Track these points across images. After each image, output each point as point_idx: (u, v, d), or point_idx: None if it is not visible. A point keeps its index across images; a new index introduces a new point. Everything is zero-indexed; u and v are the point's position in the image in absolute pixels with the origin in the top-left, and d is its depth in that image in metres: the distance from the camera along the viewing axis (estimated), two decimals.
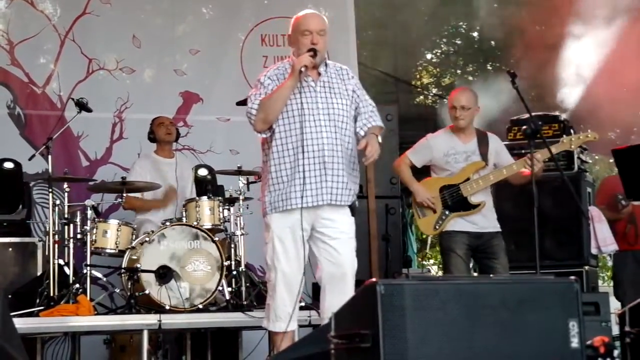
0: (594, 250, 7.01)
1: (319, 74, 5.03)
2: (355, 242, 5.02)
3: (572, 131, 7.23)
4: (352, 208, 5.00)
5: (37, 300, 6.35)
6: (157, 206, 7.26)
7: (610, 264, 17.24)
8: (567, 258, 6.82)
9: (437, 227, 6.37)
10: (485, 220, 6.41)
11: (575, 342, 3.28)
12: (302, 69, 4.84)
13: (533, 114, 6.25)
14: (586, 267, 6.86)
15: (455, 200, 6.36)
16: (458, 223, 6.38)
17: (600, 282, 8.37)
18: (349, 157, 4.99)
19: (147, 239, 6.48)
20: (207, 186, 7.20)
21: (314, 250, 5.01)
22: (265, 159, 5.10)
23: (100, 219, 6.77)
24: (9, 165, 7.34)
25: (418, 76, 12.23)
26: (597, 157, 11.11)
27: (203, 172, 7.52)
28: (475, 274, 6.66)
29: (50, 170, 6.65)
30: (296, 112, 4.93)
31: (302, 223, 4.88)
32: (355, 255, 4.99)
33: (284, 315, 4.97)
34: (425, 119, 9.87)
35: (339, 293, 4.90)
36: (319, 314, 5.23)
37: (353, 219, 5.03)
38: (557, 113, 7.37)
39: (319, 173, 4.90)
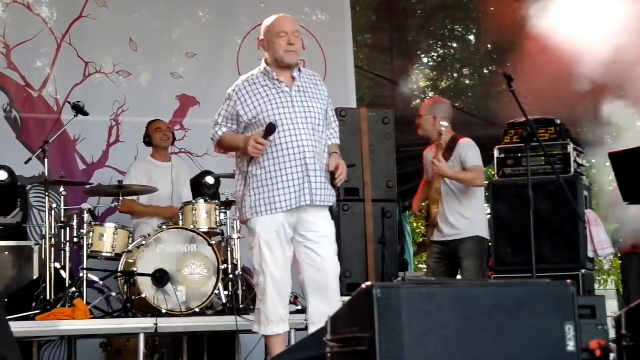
0: (590, 254, 7.02)
1: (293, 78, 5.06)
2: (336, 245, 5.06)
3: (568, 134, 7.23)
4: (331, 211, 5.02)
5: (34, 304, 6.35)
6: (153, 213, 7.25)
7: (606, 267, 17.30)
8: (564, 262, 6.82)
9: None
10: (449, 228, 6.50)
11: (571, 346, 3.27)
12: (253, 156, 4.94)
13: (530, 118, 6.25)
14: (582, 271, 6.85)
15: (427, 211, 6.59)
16: (434, 233, 6.59)
17: (596, 285, 8.38)
18: (325, 161, 5.03)
19: (143, 242, 6.48)
20: (205, 190, 7.21)
21: (296, 254, 5.02)
22: (241, 164, 5.09)
23: (97, 223, 6.78)
24: (3, 176, 7.29)
25: (414, 80, 12.23)
26: (593, 161, 11.11)
27: (210, 180, 7.51)
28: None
29: (46, 173, 6.65)
30: (273, 117, 4.93)
31: (285, 226, 4.96)
32: (337, 259, 5.00)
33: (276, 318, 4.98)
34: None
35: (322, 298, 4.94)
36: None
37: (332, 222, 5.05)
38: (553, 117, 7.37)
39: (302, 175, 4.93)
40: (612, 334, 4.79)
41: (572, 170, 7.02)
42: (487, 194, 6.61)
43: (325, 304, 4.88)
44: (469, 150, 6.50)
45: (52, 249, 6.51)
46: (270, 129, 4.88)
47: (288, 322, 5.08)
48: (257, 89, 5.04)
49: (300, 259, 5.01)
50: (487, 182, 7.76)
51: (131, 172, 7.43)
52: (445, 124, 6.32)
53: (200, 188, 7.46)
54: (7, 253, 7.12)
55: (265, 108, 4.97)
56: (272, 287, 4.97)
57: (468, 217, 6.46)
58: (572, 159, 7.05)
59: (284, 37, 4.99)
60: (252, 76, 5.09)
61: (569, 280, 3.44)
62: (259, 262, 4.99)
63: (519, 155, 7.04)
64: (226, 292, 6.64)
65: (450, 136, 6.55)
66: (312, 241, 4.96)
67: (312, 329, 4.90)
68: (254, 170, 4.97)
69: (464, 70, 12.40)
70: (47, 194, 6.60)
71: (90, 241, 6.57)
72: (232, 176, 6.98)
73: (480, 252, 6.51)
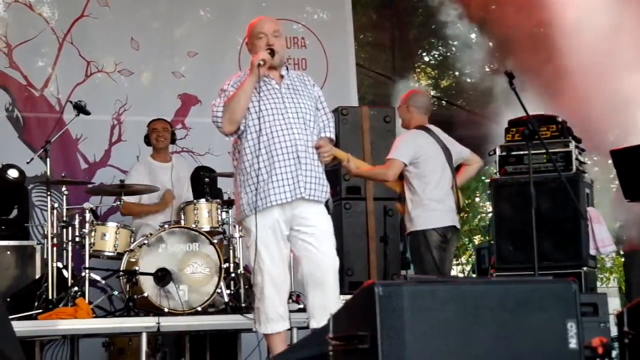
0: (592, 252, 7.00)
1: (282, 76, 5.08)
2: (334, 240, 5.00)
3: (569, 132, 7.22)
4: (328, 207, 5.00)
5: (36, 303, 6.35)
6: (154, 210, 7.27)
7: (608, 265, 17.30)
8: (566, 259, 6.81)
9: None
10: (407, 222, 6.54)
11: (573, 343, 3.27)
12: (260, 63, 4.87)
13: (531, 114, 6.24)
14: (584, 268, 6.84)
15: None
16: None
17: (598, 283, 8.37)
18: (317, 156, 5.02)
19: (145, 241, 6.49)
20: (205, 188, 7.20)
21: (294, 249, 5.01)
22: (237, 162, 5.10)
23: (99, 222, 6.79)
24: (14, 174, 7.30)
25: (416, 78, 12.23)
26: (595, 158, 11.10)
27: (204, 175, 7.53)
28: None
29: (48, 173, 6.65)
30: (264, 112, 4.94)
31: (280, 222, 4.94)
32: (335, 253, 4.98)
33: (275, 316, 4.96)
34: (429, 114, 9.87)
35: (321, 292, 4.92)
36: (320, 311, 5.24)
37: (329, 217, 5.03)
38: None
39: (294, 168, 4.90)
40: (614, 331, 4.79)
41: (574, 167, 7.01)
42: (488, 191, 6.59)
43: (324, 298, 4.87)
44: (395, 142, 6.56)
45: (54, 248, 6.51)
46: (271, 53, 4.94)
47: (289, 320, 5.06)
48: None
49: (298, 255, 5.00)
50: (488, 180, 7.76)
51: (131, 173, 7.44)
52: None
53: (197, 185, 7.46)
54: (9, 252, 7.13)
55: (256, 101, 4.95)
56: (269, 285, 4.95)
57: (410, 213, 6.48)
58: (574, 156, 7.04)
59: (263, 38, 5.03)
60: (242, 76, 5.10)
61: (570, 278, 3.45)
62: (255, 260, 4.98)
63: (521, 153, 7.03)
64: (228, 291, 6.65)
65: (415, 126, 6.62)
66: (309, 234, 4.94)
67: (313, 324, 4.91)
68: (248, 168, 4.97)
69: (465, 68, 12.39)
70: (49, 193, 6.60)
71: (92, 240, 6.58)
72: (231, 175, 7.00)
73: (417, 247, 6.48)
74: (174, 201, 7.33)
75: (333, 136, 5.14)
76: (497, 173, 7.29)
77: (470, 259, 16.94)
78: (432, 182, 6.43)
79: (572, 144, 7.07)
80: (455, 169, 6.71)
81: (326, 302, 4.82)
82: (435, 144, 6.52)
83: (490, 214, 7.03)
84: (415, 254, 6.50)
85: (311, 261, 4.94)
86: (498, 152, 7.23)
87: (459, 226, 6.62)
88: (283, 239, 4.96)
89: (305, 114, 4.99)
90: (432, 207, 6.40)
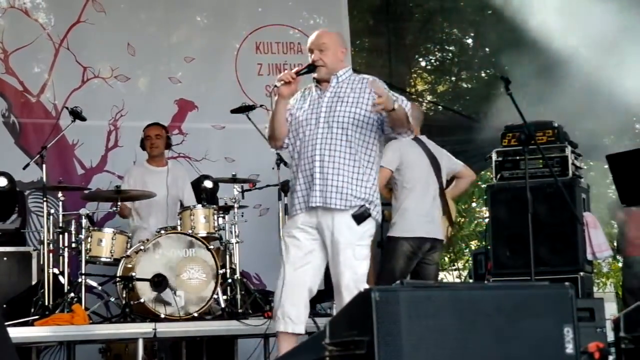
0: (589, 257, 7.01)
1: (331, 85, 5.11)
2: (359, 249, 4.92)
3: (566, 137, 7.24)
4: (359, 216, 4.96)
5: (32, 310, 6.34)
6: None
7: (605, 270, 17.31)
8: (562, 264, 6.81)
9: None
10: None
11: (570, 348, 3.28)
12: (277, 85, 4.96)
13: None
14: (581, 273, 6.85)
15: None
16: None
17: (595, 288, 8.38)
18: (352, 164, 4.98)
19: (142, 247, 6.48)
20: (204, 195, 7.22)
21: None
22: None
23: (95, 228, 6.78)
24: (2, 182, 7.31)
25: (412, 83, 12.24)
26: (591, 163, 11.11)
27: (208, 184, 7.52)
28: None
29: (44, 179, 6.64)
30: (299, 124, 5.04)
31: (307, 228, 4.98)
32: (352, 263, 4.90)
33: (281, 314, 4.98)
34: (420, 126, 9.87)
35: (336, 300, 4.97)
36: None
37: (359, 226, 4.92)
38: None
39: (309, 175, 4.95)
40: (611, 336, 4.79)
41: (570, 172, 7.02)
42: (485, 197, 6.59)
43: (338, 306, 4.92)
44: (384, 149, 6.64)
45: (51, 254, 6.50)
46: (309, 68, 5.03)
47: (302, 324, 5.06)
48: (305, 93, 5.18)
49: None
50: (485, 185, 7.76)
51: (125, 178, 7.46)
52: None
53: (199, 192, 7.46)
54: (5, 259, 7.12)
55: (297, 114, 5.08)
56: (282, 285, 4.99)
57: (392, 218, 6.56)
58: (570, 161, 7.05)
59: (311, 54, 5.12)
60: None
61: (567, 283, 3.45)
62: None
63: (517, 158, 7.04)
64: (225, 297, 6.64)
65: None
66: (328, 245, 4.97)
67: None
68: (291, 175, 5.14)
69: (462, 73, 12.41)
70: (45, 199, 6.59)
71: (88, 246, 6.57)
72: (230, 180, 7.01)
73: (386, 252, 6.55)
74: (170, 206, 7.32)
75: (401, 103, 4.94)
76: (494, 178, 7.30)
77: (467, 265, 16.96)
78: (413, 191, 6.47)
79: (568, 149, 7.09)
80: (448, 182, 6.73)
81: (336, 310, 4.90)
82: (422, 154, 6.54)
83: (486, 219, 7.02)
84: (384, 258, 6.58)
85: (332, 270, 4.99)
86: (494, 157, 7.24)
87: (441, 237, 6.60)
88: (310, 245, 4.99)
89: (338, 122, 4.97)
90: (408, 216, 6.45)
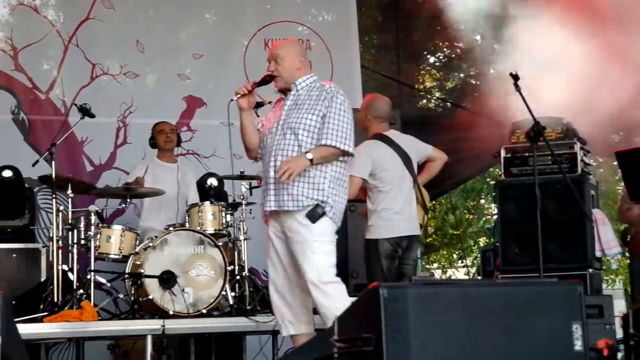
0: (597, 253, 6.99)
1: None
2: (317, 245, 4.99)
3: (575, 133, 7.21)
4: (312, 214, 5.00)
5: (41, 306, 6.35)
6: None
7: (614, 267, 17.26)
8: (571, 261, 6.79)
9: None
10: (365, 229, 6.61)
11: (578, 345, 3.27)
12: (233, 99, 5.18)
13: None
14: (590, 270, 6.82)
15: None
16: None
17: (604, 285, 8.36)
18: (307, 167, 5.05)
19: (150, 244, 6.49)
20: (210, 192, 7.22)
21: None
22: None
23: (104, 225, 6.78)
24: (7, 174, 7.35)
25: (421, 80, 12.23)
26: (600, 160, 11.09)
27: (213, 181, 7.51)
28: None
29: (54, 175, 6.65)
30: (266, 132, 5.25)
31: (278, 230, 5.14)
32: (312, 258, 4.97)
33: (281, 320, 5.12)
34: (429, 123, 9.86)
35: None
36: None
37: (314, 224, 5.01)
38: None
39: (267, 180, 5.13)
40: (620, 333, 4.79)
41: (579, 169, 7.00)
42: (493, 193, 6.57)
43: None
44: None
45: (60, 251, 6.51)
46: (266, 79, 5.22)
47: (303, 324, 5.12)
48: (276, 104, 5.37)
49: None
50: (493, 182, 7.74)
51: (137, 168, 7.46)
52: None
53: (203, 190, 7.47)
54: (14, 255, 7.14)
55: (267, 116, 5.31)
56: (272, 291, 5.19)
57: (367, 220, 6.58)
58: (579, 158, 7.03)
59: (268, 64, 5.26)
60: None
61: (576, 280, 3.44)
62: None
63: (526, 154, 7.02)
64: (233, 294, 6.65)
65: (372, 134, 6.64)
66: (290, 245, 5.08)
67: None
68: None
69: (470, 70, 12.38)
70: (54, 196, 6.60)
71: (97, 243, 6.58)
72: (238, 177, 7.01)
73: (368, 255, 6.56)
74: (179, 204, 7.33)
75: (332, 142, 5.07)
76: (502, 175, 7.28)
77: (475, 261, 16.95)
78: (390, 193, 6.48)
79: (577, 146, 7.06)
80: (420, 167, 6.73)
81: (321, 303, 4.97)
82: (392, 152, 6.53)
83: (495, 216, 7.01)
84: (366, 260, 6.60)
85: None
86: (503, 153, 7.22)
87: (418, 233, 6.64)
88: (280, 249, 5.16)
89: (293, 128, 5.11)
90: (387, 217, 6.46)
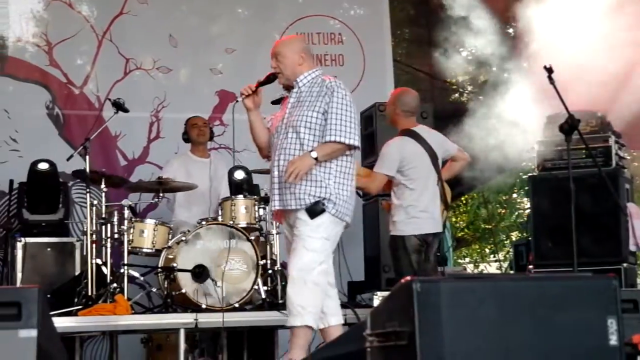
0: (632, 247, 6.95)
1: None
2: (309, 240, 5.02)
3: (609, 127, 7.15)
4: (312, 210, 5.03)
5: (76, 300, 6.41)
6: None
7: None
8: (605, 255, 6.75)
9: None
10: (390, 224, 6.57)
11: (613, 340, 3.24)
12: (238, 100, 5.31)
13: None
14: (624, 264, 6.78)
15: None
16: None
17: (638, 279, 8.30)
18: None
19: (183, 238, 6.52)
20: (243, 186, 7.24)
21: None
22: None
23: (137, 219, 6.82)
24: (43, 166, 7.42)
25: (453, 73, 12.17)
26: (634, 154, 10.98)
27: (239, 174, 7.51)
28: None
29: (88, 170, 6.70)
30: (273, 131, 5.31)
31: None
32: (301, 252, 5.01)
33: (295, 311, 5.08)
34: (460, 117, 9.84)
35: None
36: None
37: (312, 219, 5.04)
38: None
39: (275, 180, 5.17)
40: None
41: (614, 163, 6.95)
42: (526, 187, 6.53)
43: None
44: (382, 151, 6.57)
45: (94, 245, 6.56)
46: (269, 78, 5.28)
47: (332, 316, 5.15)
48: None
49: None
50: (526, 176, 7.70)
51: (171, 163, 7.51)
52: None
53: (234, 186, 7.49)
54: (49, 249, 7.21)
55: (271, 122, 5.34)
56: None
57: (392, 216, 6.52)
58: (614, 151, 6.98)
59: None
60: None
61: (610, 274, 3.41)
62: None
63: (559, 148, 6.98)
64: (265, 288, 6.66)
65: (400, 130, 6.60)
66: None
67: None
68: None
69: (503, 63, 12.30)
70: (88, 190, 6.65)
71: (130, 237, 6.62)
72: (267, 171, 7.01)
73: (395, 250, 6.51)
74: (211, 198, 7.35)
75: (336, 138, 5.08)
76: (535, 169, 7.24)
77: (507, 256, 16.86)
78: (417, 189, 6.44)
79: (612, 139, 7.01)
80: (443, 164, 6.69)
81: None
82: (421, 149, 6.48)
83: (528, 210, 6.97)
84: (393, 256, 6.56)
85: None
86: (536, 147, 7.19)
87: (441, 230, 6.59)
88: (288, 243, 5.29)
89: (295, 126, 5.12)
90: (413, 214, 6.42)
